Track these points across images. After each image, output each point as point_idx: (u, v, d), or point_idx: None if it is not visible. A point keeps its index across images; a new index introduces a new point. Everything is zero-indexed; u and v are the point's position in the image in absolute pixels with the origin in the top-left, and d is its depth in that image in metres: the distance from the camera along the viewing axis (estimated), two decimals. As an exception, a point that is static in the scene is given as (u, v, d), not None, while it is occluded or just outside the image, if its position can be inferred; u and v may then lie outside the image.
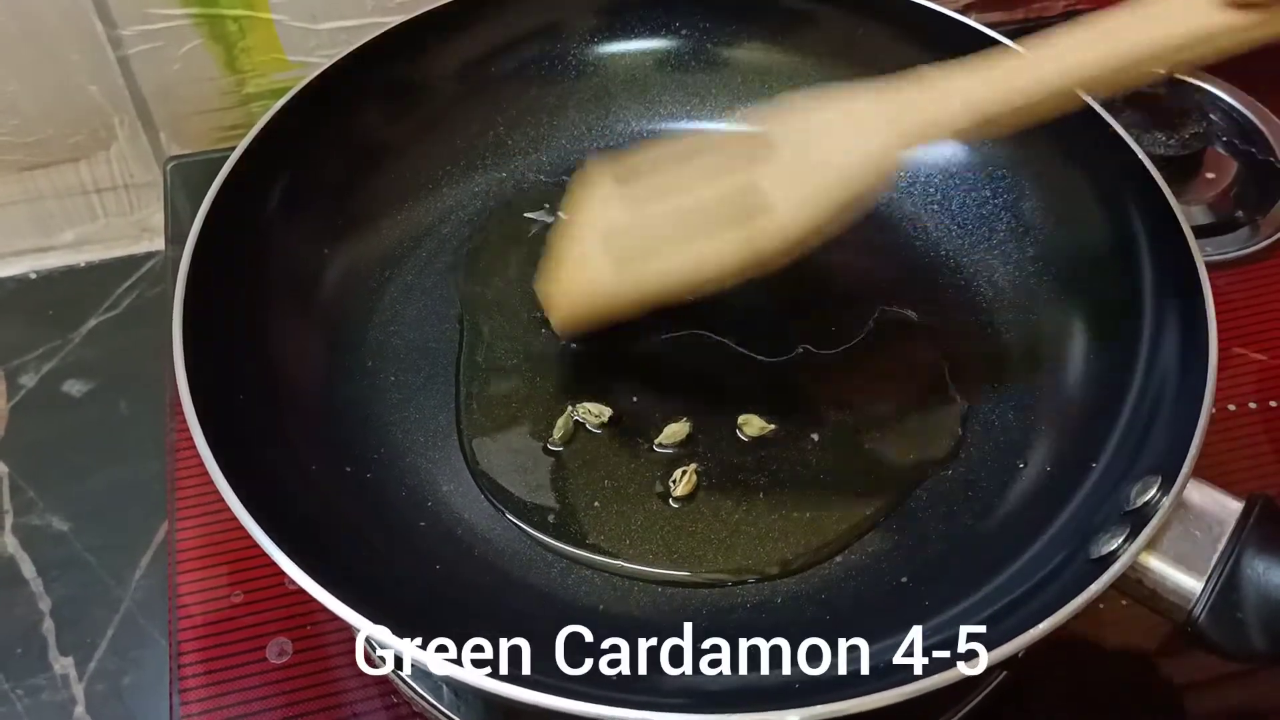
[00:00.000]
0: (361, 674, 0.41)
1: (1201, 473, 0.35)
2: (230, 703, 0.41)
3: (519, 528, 0.41)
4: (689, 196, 0.39)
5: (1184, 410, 0.36)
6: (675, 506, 0.41)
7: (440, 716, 0.40)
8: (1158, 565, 0.34)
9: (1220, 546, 0.34)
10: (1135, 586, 0.34)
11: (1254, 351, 0.51)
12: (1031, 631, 0.31)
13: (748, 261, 0.38)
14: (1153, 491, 0.34)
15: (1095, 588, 0.32)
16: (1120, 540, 0.33)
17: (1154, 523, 0.33)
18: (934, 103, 0.36)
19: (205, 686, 0.41)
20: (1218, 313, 0.38)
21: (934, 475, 0.42)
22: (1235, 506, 0.34)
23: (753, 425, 0.43)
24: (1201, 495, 0.35)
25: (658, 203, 0.40)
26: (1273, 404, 0.49)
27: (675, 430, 0.43)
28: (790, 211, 0.37)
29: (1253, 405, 0.49)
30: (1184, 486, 0.34)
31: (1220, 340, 0.38)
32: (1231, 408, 0.49)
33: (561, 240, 0.42)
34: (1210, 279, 0.40)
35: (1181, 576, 0.34)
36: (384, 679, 0.41)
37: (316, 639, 0.42)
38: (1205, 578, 0.33)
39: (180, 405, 0.36)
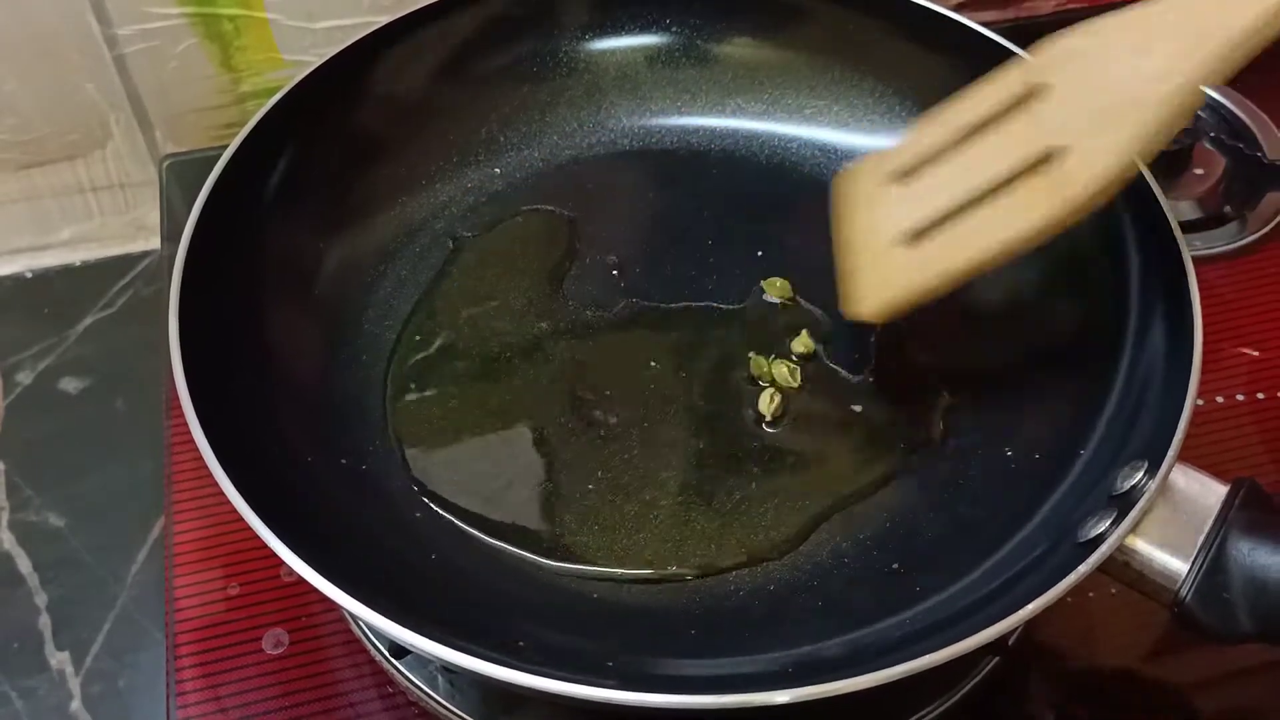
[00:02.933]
0: (358, 663, 0.41)
1: (1189, 461, 0.35)
2: (227, 693, 0.41)
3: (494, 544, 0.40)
4: (977, 174, 0.38)
5: (1170, 396, 0.37)
6: (669, 500, 0.41)
7: (436, 705, 0.40)
8: (1144, 548, 0.34)
9: (1206, 529, 0.34)
10: (1123, 569, 0.34)
11: (1242, 345, 0.51)
12: (1020, 613, 0.32)
13: (1058, 218, 0.36)
14: (1139, 476, 0.35)
15: (1082, 569, 0.32)
16: (1107, 524, 0.34)
17: (1140, 506, 0.34)
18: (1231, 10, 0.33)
19: (202, 679, 0.41)
20: (1206, 308, 0.39)
21: (924, 463, 0.42)
22: (1220, 490, 0.35)
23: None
24: (1187, 479, 0.35)
25: (945, 190, 0.38)
26: (1260, 396, 0.49)
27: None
28: (1095, 155, 0.35)
29: (1240, 397, 0.49)
30: (1170, 470, 0.34)
31: (1208, 334, 0.38)
32: (1220, 400, 0.49)
33: (851, 252, 0.41)
34: (1198, 273, 0.40)
35: (1168, 559, 0.34)
36: (380, 669, 0.41)
37: (312, 629, 0.42)
38: (1191, 559, 0.34)
39: (177, 401, 0.36)
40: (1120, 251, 0.43)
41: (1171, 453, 0.34)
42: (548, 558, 0.40)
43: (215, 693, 0.41)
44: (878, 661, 0.31)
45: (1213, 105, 0.61)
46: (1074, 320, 0.44)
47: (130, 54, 0.56)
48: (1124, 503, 0.34)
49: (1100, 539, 0.33)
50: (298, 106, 0.46)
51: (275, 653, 0.42)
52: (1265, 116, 0.60)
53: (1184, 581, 0.34)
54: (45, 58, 0.55)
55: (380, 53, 0.49)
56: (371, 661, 0.42)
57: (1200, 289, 0.39)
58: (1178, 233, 0.41)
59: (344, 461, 0.41)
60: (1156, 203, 0.42)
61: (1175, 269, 0.40)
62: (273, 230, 0.45)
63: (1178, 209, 0.55)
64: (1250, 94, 0.61)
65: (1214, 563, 0.34)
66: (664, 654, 0.36)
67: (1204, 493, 0.35)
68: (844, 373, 0.45)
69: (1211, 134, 0.59)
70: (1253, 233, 0.55)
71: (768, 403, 0.43)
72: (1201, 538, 0.34)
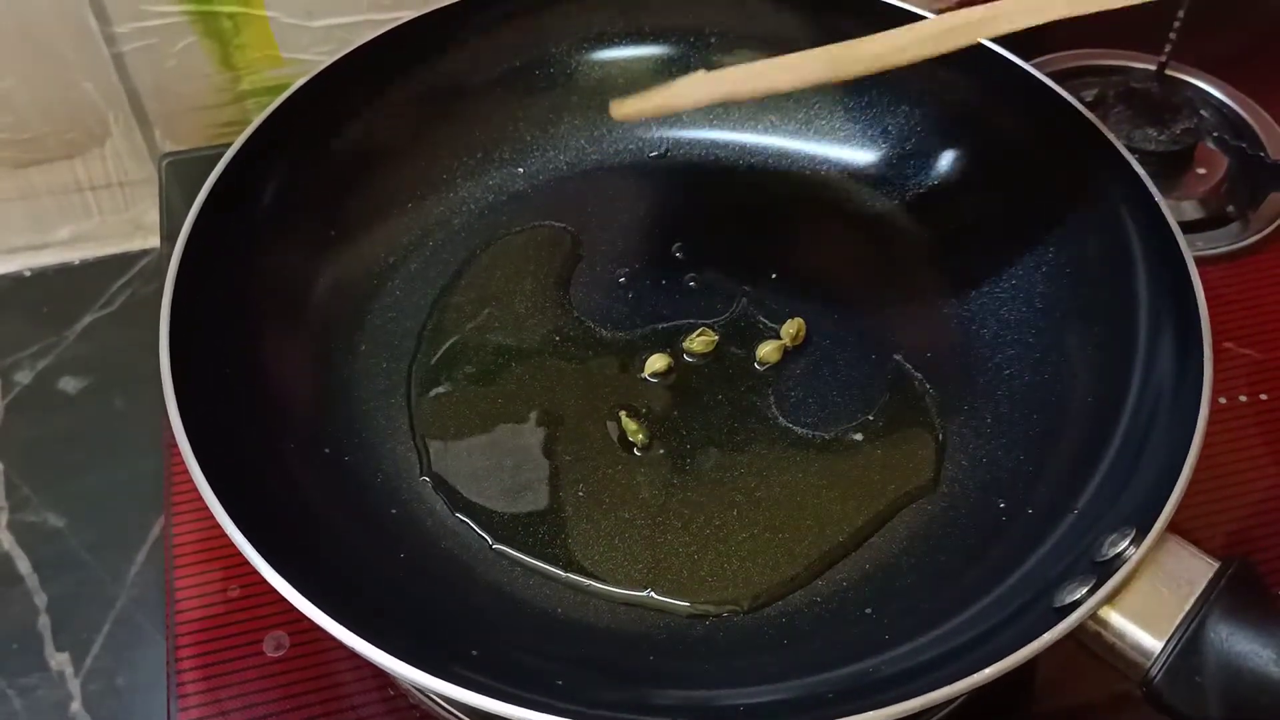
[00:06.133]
0: (358, 665, 0.41)
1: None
2: (227, 696, 0.41)
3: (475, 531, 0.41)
4: None
5: (1168, 460, 0.35)
6: (646, 520, 0.41)
7: (439, 708, 0.40)
8: (1118, 620, 0.33)
9: (1186, 607, 0.33)
10: (1094, 639, 0.33)
11: (1244, 345, 0.51)
12: (976, 676, 0.31)
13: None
14: (1125, 544, 0.33)
15: (1048, 637, 0.31)
16: (1084, 591, 0.33)
17: (1118, 577, 0.32)
18: None
19: (202, 680, 0.41)
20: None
21: (912, 508, 0.41)
22: (1209, 567, 0.33)
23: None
24: (1176, 552, 0.34)
25: None
26: (1263, 397, 0.49)
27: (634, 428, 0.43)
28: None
29: (1243, 398, 0.49)
30: (1155, 542, 0.33)
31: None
32: (1222, 401, 0.49)
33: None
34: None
35: (1142, 635, 0.33)
36: (381, 672, 0.41)
37: (313, 632, 0.41)
38: (1166, 638, 0.32)
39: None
40: (1128, 271, 0.43)
41: (1160, 523, 0.33)
42: (527, 555, 0.40)
43: (216, 695, 0.41)
44: (829, 709, 0.30)
45: (1215, 105, 0.61)
46: (1080, 361, 0.43)
47: (129, 52, 0.56)
48: (1104, 570, 0.33)
49: (1074, 606, 0.32)
50: (308, 106, 0.46)
51: (276, 655, 0.42)
52: (1268, 116, 0.60)
53: (1155, 660, 0.32)
54: (43, 56, 0.54)
55: (397, 53, 0.49)
56: (372, 665, 0.41)
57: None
58: (1201, 304, 0.39)
59: (326, 450, 0.41)
60: (1181, 256, 0.40)
61: (1191, 335, 0.38)
62: (276, 225, 0.45)
63: (1180, 209, 0.55)
64: (1253, 93, 0.61)
65: (1189, 644, 0.32)
66: (616, 677, 0.36)
67: (1191, 568, 0.33)
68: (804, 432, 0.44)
69: (1214, 134, 0.59)
70: (1255, 233, 0.55)
71: (633, 428, 0.43)
72: (1180, 617, 0.32)
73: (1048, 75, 0.47)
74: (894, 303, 0.48)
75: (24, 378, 0.55)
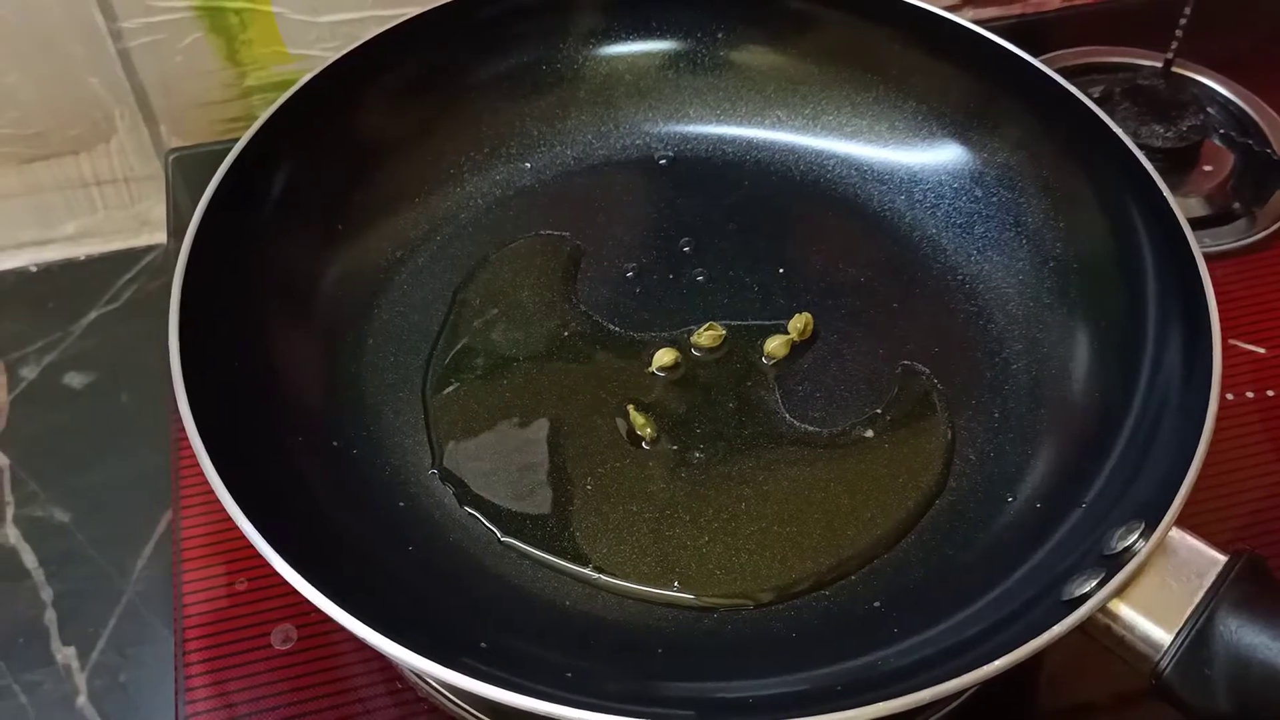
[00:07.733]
0: (367, 658, 0.41)
1: (1192, 512, 0.34)
2: (235, 689, 0.41)
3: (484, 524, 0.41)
4: None
5: (1176, 454, 0.35)
6: (654, 514, 0.41)
7: (446, 701, 0.40)
8: (1128, 613, 0.33)
9: (1196, 600, 0.33)
10: (1104, 632, 0.33)
11: (1251, 342, 0.51)
12: (985, 669, 0.31)
13: None
14: (1134, 537, 0.33)
15: (1057, 630, 0.31)
16: (1094, 584, 0.33)
17: (1127, 569, 0.32)
18: None
19: (209, 674, 0.41)
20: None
21: (921, 501, 0.41)
22: (1218, 560, 0.33)
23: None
24: (1185, 545, 0.34)
25: None
26: (1269, 394, 0.49)
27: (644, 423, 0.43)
28: None
29: (1250, 395, 0.49)
30: (1164, 535, 0.33)
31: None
32: (1229, 397, 0.49)
33: None
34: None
35: (1151, 628, 0.33)
36: (389, 665, 0.41)
37: (321, 625, 0.42)
38: (1176, 631, 0.32)
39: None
40: (1136, 267, 0.43)
41: (1169, 517, 0.33)
42: (536, 547, 0.40)
43: (223, 689, 0.41)
44: (839, 702, 0.30)
45: (1222, 102, 0.61)
46: (1089, 354, 0.43)
47: (135, 48, 0.56)
48: (1113, 564, 0.33)
49: (1083, 599, 0.32)
50: (316, 100, 0.46)
51: (284, 649, 0.42)
52: (1274, 113, 0.60)
53: (1165, 653, 0.32)
54: (49, 51, 0.55)
55: (402, 49, 0.49)
56: (380, 657, 0.41)
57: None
58: (1210, 295, 0.39)
59: (335, 444, 0.41)
60: (1191, 256, 0.40)
61: (1200, 331, 0.38)
62: (282, 219, 0.45)
63: (1186, 206, 0.55)
64: (1259, 90, 0.61)
65: (1199, 637, 0.32)
66: (624, 669, 0.36)
67: (1200, 561, 0.33)
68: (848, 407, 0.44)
69: (1220, 130, 0.59)
70: (1262, 229, 0.55)
71: (641, 422, 0.43)
72: (1190, 609, 0.33)
73: (1055, 72, 0.47)
74: (901, 298, 0.48)
75: (30, 373, 0.55)
